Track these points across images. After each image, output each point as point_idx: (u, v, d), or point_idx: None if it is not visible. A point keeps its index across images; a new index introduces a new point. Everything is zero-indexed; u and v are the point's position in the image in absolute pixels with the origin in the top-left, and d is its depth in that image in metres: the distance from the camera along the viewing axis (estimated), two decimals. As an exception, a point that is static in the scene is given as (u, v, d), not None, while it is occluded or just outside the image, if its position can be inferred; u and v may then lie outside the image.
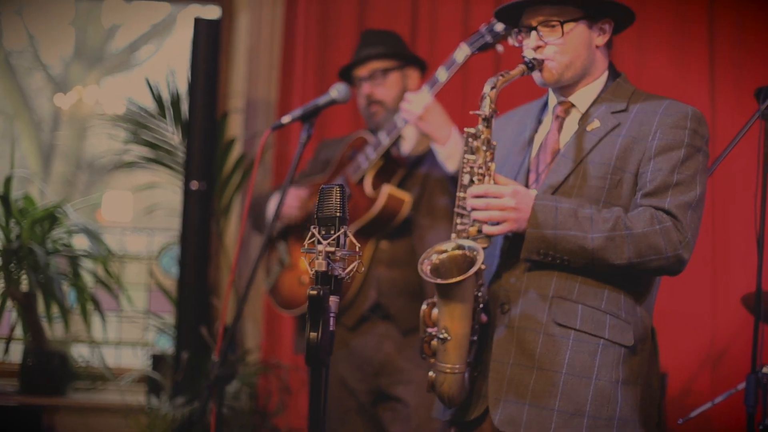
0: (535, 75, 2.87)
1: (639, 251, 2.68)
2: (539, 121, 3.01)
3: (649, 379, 2.82)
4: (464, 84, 5.23)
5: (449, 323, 2.74)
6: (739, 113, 4.92)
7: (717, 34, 5.21)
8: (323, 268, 2.31)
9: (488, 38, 3.68)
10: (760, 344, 3.59)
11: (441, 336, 2.75)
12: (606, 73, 2.94)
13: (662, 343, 4.86)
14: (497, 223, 2.75)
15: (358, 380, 4.10)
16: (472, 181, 2.80)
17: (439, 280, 2.70)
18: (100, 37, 7.38)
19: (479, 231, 2.77)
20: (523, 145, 2.98)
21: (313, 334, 2.27)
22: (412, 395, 4.02)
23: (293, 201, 4.18)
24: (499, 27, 3.63)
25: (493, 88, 2.78)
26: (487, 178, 2.78)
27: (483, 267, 2.75)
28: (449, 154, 3.85)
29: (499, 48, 3.70)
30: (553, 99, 2.98)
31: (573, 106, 2.93)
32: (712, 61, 5.20)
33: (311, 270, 2.34)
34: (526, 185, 2.90)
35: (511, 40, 2.98)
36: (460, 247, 2.77)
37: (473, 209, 2.76)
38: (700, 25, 5.24)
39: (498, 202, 2.72)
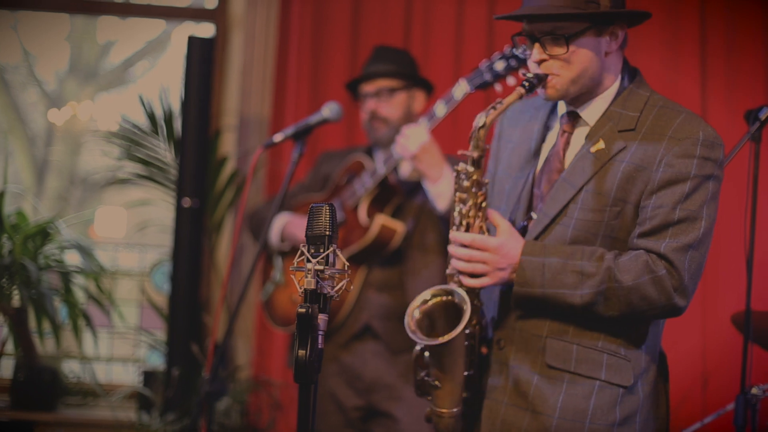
0: (539, 91, 2.70)
1: (630, 304, 2.59)
2: (547, 128, 2.86)
3: (653, 411, 2.73)
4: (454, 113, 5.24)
5: (440, 374, 2.70)
6: (730, 135, 4.93)
7: (709, 56, 5.23)
8: (312, 286, 2.32)
9: (488, 77, 3.68)
10: (749, 364, 3.59)
11: (433, 384, 2.71)
12: (618, 79, 2.76)
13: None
14: (478, 275, 2.69)
15: (349, 396, 4.11)
16: (460, 221, 2.73)
17: (426, 341, 2.64)
18: (94, 53, 7.39)
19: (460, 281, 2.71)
20: (528, 158, 2.84)
21: (301, 352, 2.27)
22: (402, 412, 4.03)
23: (299, 226, 4.19)
24: (499, 66, 3.62)
25: (482, 126, 2.66)
26: (477, 221, 2.71)
27: (472, 309, 2.68)
28: (440, 192, 3.86)
29: (498, 87, 3.69)
30: (562, 107, 2.81)
31: (581, 118, 2.77)
32: (704, 82, 5.23)
33: (300, 288, 2.35)
34: (529, 207, 2.79)
35: (512, 65, 2.92)
36: (447, 293, 2.70)
37: (455, 258, 2.70)
38: (691, 47, 5.26)
39: (480, 255, 2.66)
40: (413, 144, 3.80)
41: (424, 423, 3.71)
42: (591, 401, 2.64)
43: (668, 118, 2.67)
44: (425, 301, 2.71)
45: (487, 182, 2.73)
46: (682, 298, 2.61)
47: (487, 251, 2.65)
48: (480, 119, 2.67)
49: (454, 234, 2.71)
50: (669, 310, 2.62)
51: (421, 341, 2.64)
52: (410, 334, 2.64)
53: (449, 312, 2.68)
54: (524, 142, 2.88)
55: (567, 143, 2.78)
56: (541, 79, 2.68)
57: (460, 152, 2.72)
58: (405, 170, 4.13)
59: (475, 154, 2.69)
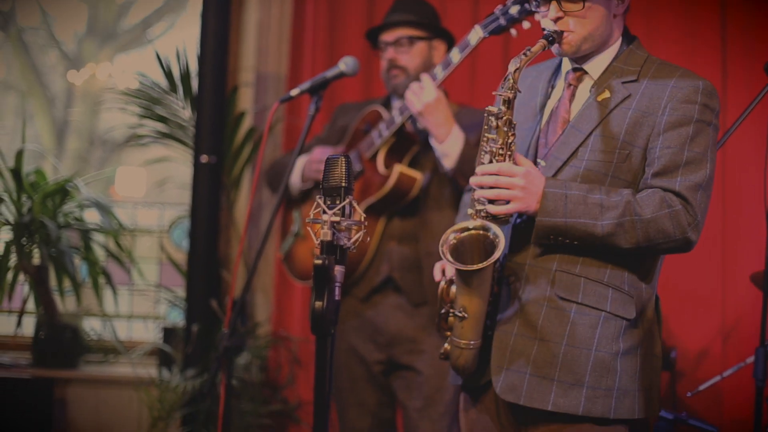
0: (554, 47, 2.83)
1: (648, 236, 2.68)
2: (552, 86, 2.99)
3: (651, 348, 2.83)
4: (472, 64, 5.21)
5: (467, 303, 2.75)
6: (750, 87, 4.89)
7: (729, 9, 5.17)
8: (328, 238, 2.33)
9: (502, 21, 3.64)
10: (768, 319, 3.60)
11: (459, 314, 2.76)
12: (620, 40, 2.91)
13: (673, 319, 4.91)
14: (503, 203, 2.74)
15: (370, 350, 4.12)
16: (491, 161, 2.76)
17: (461, 266, 2.69)
18: (112, 13, 7.39)
19: (487, 213, 2.75)
20: (534, 111, 2.96)
21: (318, 304, 2.28)
22: (424, 364, 4.03)
23: (320, 162, 4.17)
24: (514, 10, 3.59)
25: (517, 69, 2.74)
26: (507, 159, 2.75)
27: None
28: (445, 152, 3.83)
29: (513, 32, 3.66)
30: (566, 64, 2.95)
31: (586, 73, 2.90)
32: (724, 34, 5.17)
33: (316, 240, 2.35)
34: (536, 155, 2.88)
35: (528, 8, 2.95)
36: (484, 228, 2.74)
37: (479, 186, 2.74)
38: (711, 7, 5.20)
39: (506, 180, 2.70)
40: (418, 102, 3.78)
41: (446, 376, 3.77)
42: (597, 330, 2.73)
43: (668, 72, 2.83)
44: (464, 230, 2.76)
45: (516, 123, 2.78)
46: (695, 233, 2.72)
47: (515, 176, 2.70)
48: (514, 63, 2.75)
49: (482, 167, 2.76)
50: (682, 244, 2.72)
51: (456, 266, 2.69)
52: (444, 258, 2.70)
53: (479, 245, 2.73)
54: (529, 100, 2.99)
55: (573, 95, 2.91)
56: (559, 35, 2.82)
57: (494, 92, 2.79)
58: (424, 128, 4.11)
59: (511, 94, 2.75)
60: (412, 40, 4.08)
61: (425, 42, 4.10)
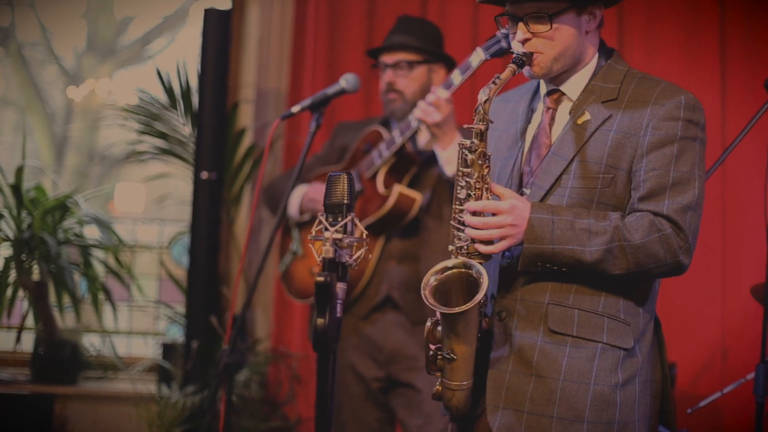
0: (525, 69, 2.77)
1: (638, 261, 2.63)
2: (531, 110, 2.92)
3: (651, 374, 2.77)
4: (472, 83, 5.22)
5: (455, 345, 2.69)
6: (750, 103, 4.90)
7: (727, 25, 5.19)
8: (330, 255, 2.33)
9: (504, 44, 3.64)
10: (768, 335, 3.59)
11: (447, 356, 2.70)
12: (596, 56, 2.84)
13: (672, 334, 4.88)
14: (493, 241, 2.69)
15: (369, 368, 4.11)
16: (469, 195, 2.71)
17: (444, 309, 2.63)
18: (112, 29, 7.39)
19: (468, 250, 2.70)
20: (515, 139, 2.89)
21: (320, 321, 2.28)
22: (423, 382, 4.03)
23: (318, 195, 4.19)
24: None
25: (486, 100, 2.69)
26: (484, 192, 2.69)
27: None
28: (449, 158, 3.86)
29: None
30: (543, 87, 2.88)
31: (564, 94, 2.83)
32: (723, 51, 5.19)
33: (318, 257, 2.35)
34: (520, 184, 2.83)
35: (499, 31, 2.93)
36: (465, 266, 2.68)
37: (470, 227, 2.68)
38: (711, 15, 5.22)
39: (496, 220, 2.65)
40: (436, 115, 3.78)
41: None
42: (594, 363, 2.67)
43: (649, 87, 2.76)
44: (445, 270, 2.70)
45: (490, 155, 2.73)
46: (687, 257, 2.66)
47: (502, 213, 2.65)
48: (483, 94, 2.70)
49: (466, 204, 2.70)
50: (674, 268, 2.67)
51: (439, 309, 2.63)
52: (426, 302, 2.63)
53: (463, 284, 2.67)
54: (510, 126, 2.93)
55: (552, 119, 2.84)
56: (528, 57, 2.76)
57: (465, 126, 2.73)
58: (422, 140, 4.11)
59: (482, 127, 2.69)
60: (411, 64, 4.08)
61: (425, 66, 4.11)
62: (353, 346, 4.13)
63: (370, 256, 4.02)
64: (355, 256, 2.37)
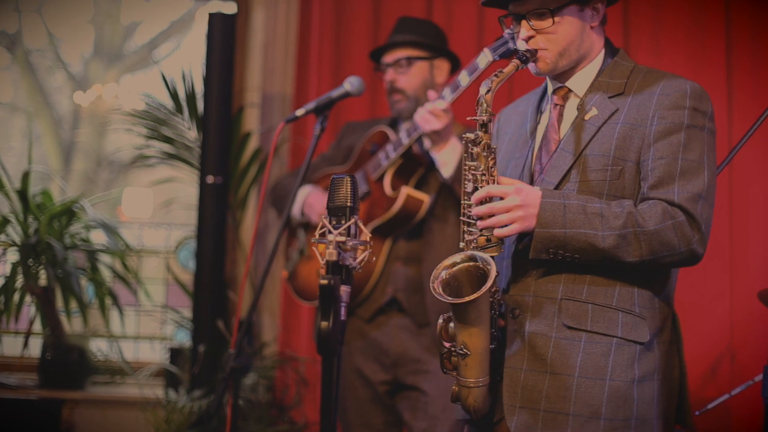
0: (530, 66, 2.78)
1: (652, 249, 2.59)
2: (540, 111, 2.92)
3: (669, 371, 2.73)
4: (476, 82, 5.21)
5: (467, 339, 2.66)
6: (756, 105, 4.89)
7: (734, 24, 5.18)
8: (334, 258, 2.32)
9: (512, 45, 3.61)
10: (777, 337, 3.59)
11: (461, 352, 2.67)
12: (602, 52, 2.85)
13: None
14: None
15: (375, 371, 4.11)
16: (476, 188, 2.70)
17: (452, 300, 2.61)
18: (119, 35, 7.40)
19: (488, 240, 2.67)
20: (525, 139, 2.90)
21: (324, 323, 2.27)
22: (429, 385, 4.02)
23: (316, 203, 4.19)
24: None
25: (488, 91, 2.68)
26: (490, 183, 2.68)
27: (497, 273, 2.66)
28: (445, 160, 3.87)
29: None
30: (550, 86, 2.89)
31: (570, 91, 2.84)
32: (729, 50, 5.17)
33: (322, 260, 2.34)
34: (531, 182, 2.81)
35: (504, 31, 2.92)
36: (471, 258, 2.67)
37: (478, 218, 2.67)
38: (716, 14, 5.20)
39: (502, 204, 2.63)
40: (437, 123, 3.79)
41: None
42: (610, 358, 2.64)
43: (654, 79, 2.76)
44: (453, 264, 2.69)
45: (495, 147, 2.72)
46: (701, 246, 2.63)
47: (508, 196, 2.63)
48: (485, 86, 2.70)
49: (473, 195, 2.69)
50: (687, 257, 2.63)
51: (448, 301, 2.61)
52: (436, 294, 2.62)
53: (472, 277, 2.66)
54: (520, 128, 2.94)
55: (560, 115, 2.84)
56: (533, 54, 2.77)
57: (468, 118, 2.73)
58: (428, 141, 4.11)
59: (484, 118, 2.69)
60: (410, 60, 4.09)
61: (426, 62, 4.10)
62: (359, 350, 4.13)
63: (374, 258, 4.02)
64: (359, 259, 2.36)
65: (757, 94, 4.98)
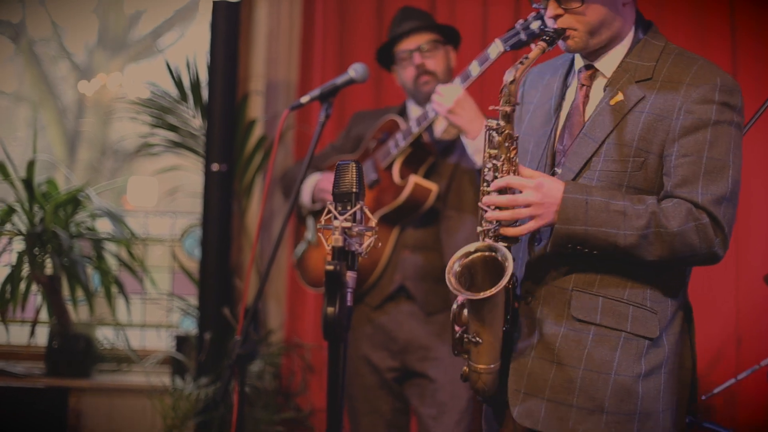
0: (560, 43, 2.69)
1: (673, 249, 2.55)
2: (566, 86, 2.83)
3: (679, 362, 2.70)
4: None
5: (480, 328, 2.65)
6: (762, 86, 4.88)
7: (738, 8, 5.16)
8: (340, 244, 2.32)
9: (523, 36, 3.60)
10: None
11: (473, 339, 2.66)
12: (633, 30, 2.74)
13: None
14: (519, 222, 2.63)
15: (383, 358, 4.11)
16: (495, 176, 2.65)
17: (468, 295, 2.57)
18: (123, 24, 7.41)
19: (496, 232, 2.64)
20: (549, 116, 2.81)
21: (330, 309, 2.27)
22: (437, 371, 4.03)
23: (328, 185, 4.18)
24: (535, 25, 3.54)
25: (512, 81, 2.62)
26: (512, 174, 2.63)
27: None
28: (479, 148, 3.78)
29: (533, 47, 3.65)
30: (578, 62, 2.80)
31: (598, 71, 2.74)
32: (734, 33, 5.15)
33: (328, 246, 2.34)
34: (553, 164, 2.76)
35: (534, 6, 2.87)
36: (490, 249, 2.62)
37: (496, 207, 2.62)
38: (721, 17, 5.17)
39: (522, 197, 2.58)
40: (448, 99, 3.75)
41: (460, 383, 3.71)
42: (616, 353, 2.61)
43: (685, 65, 2.66)
44: (467, 254, 2.64)
45: (518, 136, 2.67)
46: (722, 249, 2.59)
47: (528, 189, 2.59)
48: (509, 74, 2.64)
49: (492, 183, 2.65)
50: (707, 258, 2.60)
51: (464, 294, 2.58)
52: (451, 288, 2.58)
53: (489, 268, 2.62)
54: (545, 101, 2.86)
55: (586, 96, 2.76)
56: (559, 34, 2.68)
57: (491, 107, 2.67)
58: (438, 129, 4.10)
59: (507, 109, 2.64)
60: (435, 43, 4.06)
61: (443, 46, 4.09)
62: (367, 337, 4.13)
63: (379, 244, 4.01)
64: (365, 245, 2.36)
65: (759, 94, 4.96)
